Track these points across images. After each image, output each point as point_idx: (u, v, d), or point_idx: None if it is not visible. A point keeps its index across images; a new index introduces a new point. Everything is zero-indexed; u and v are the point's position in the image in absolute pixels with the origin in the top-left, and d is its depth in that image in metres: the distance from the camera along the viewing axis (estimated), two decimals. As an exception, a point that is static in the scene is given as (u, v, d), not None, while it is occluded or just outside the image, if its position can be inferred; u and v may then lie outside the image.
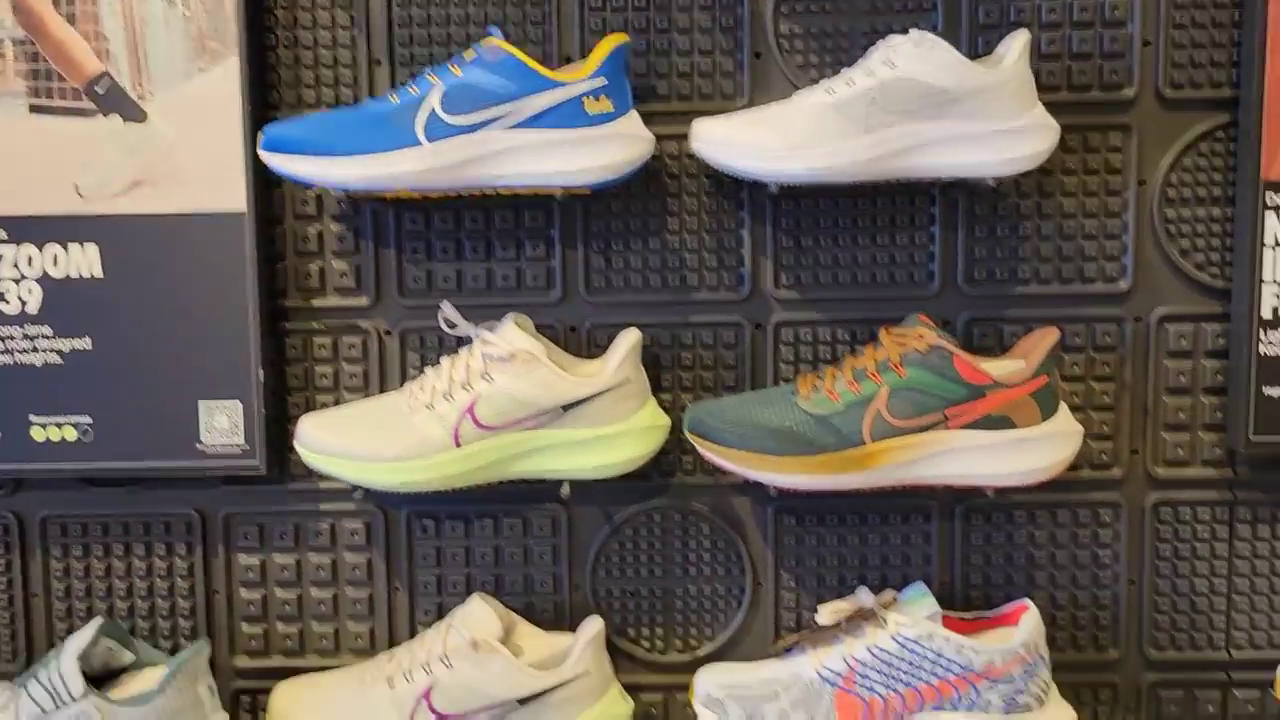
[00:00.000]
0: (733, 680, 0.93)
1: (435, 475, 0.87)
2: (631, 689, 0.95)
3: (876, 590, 0.94)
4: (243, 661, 0.99)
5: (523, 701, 0.87)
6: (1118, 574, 0.97)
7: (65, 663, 0.83)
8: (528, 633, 0.93)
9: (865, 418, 0.86)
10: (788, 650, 0.93)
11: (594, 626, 0.90)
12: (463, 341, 0.92)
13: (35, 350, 0.92)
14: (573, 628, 0.95)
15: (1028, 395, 0.87)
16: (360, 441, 0.87)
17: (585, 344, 0.96)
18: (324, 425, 0.89)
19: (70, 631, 0.97)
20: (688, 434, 0.90)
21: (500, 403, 0.87)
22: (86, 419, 0.93)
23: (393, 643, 0.98)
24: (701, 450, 0.89)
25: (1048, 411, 0.88)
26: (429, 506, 0.96)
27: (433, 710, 0.86)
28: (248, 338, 0.92)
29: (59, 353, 0.92)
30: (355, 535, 0.97)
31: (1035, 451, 0.88)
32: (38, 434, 0.93)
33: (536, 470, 0.89)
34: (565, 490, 0.90)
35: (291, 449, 0.95)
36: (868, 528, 0.98)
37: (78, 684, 0.83)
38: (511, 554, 0.97)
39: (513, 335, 0.88)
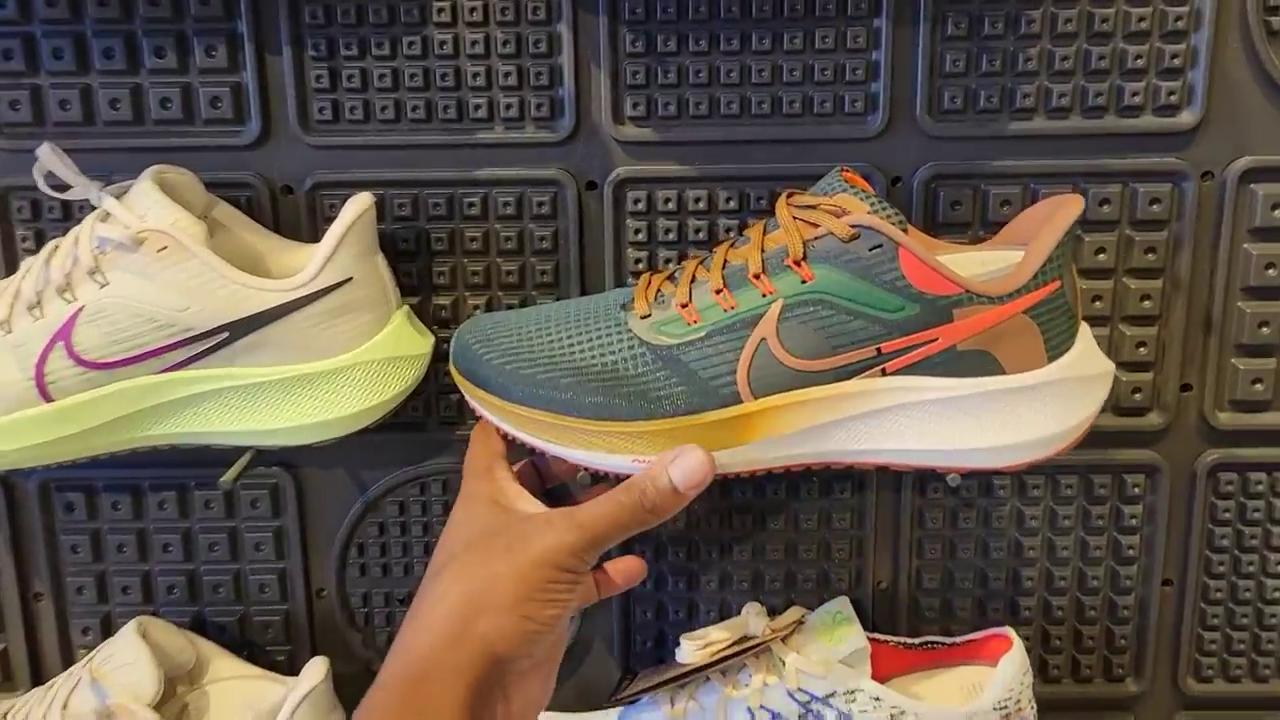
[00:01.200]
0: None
1: (12, 447, 0.51)
2: None
3: (774, 605, 0.60)
4: None
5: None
6: (1148, 571, 0.63)
7: None
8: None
9: (743, 355, 0.50)
10: (631, 702, 0.60)
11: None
12: (84, 212, 0.55)
13: None
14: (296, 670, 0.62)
15: (1024, 314, 0.49)
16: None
17: (306, 214, 0.59)
18: None
19: None
20: (451, 370, 0.55)
21: (116, 321, 0.50)
22: None
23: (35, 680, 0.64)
24: (470, 400, 0.54)
25: (1058, 342, 0.50)
26: (71, 474, 0.61)
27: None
28: None
29: None
30: (-32, 515, 0.63)
31: (1034, 412, 0.50)
32: None
33: (194, 433, 0.53)
34: (227, 478, 0.55)
35: None
36: (764, 503, 0.63)
37: None
38: (213, 545, 0.62)
39: (149, 201, 0.51)
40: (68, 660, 0.64)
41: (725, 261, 0.52)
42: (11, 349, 0.51)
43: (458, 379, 0.54)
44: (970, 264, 0.54)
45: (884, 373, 0.50)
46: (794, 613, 0.60)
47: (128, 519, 0.62)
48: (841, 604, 0.59)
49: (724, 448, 0.50)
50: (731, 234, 0.59)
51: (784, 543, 0.63)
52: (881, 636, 0.61)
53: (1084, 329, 0.52)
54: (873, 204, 0.50)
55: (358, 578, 0.63)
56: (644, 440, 0.50)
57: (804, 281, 0.50)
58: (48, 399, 0.51)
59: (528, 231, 0.59)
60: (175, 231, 0.50)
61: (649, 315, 0.52)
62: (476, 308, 0.60)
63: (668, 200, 0.59)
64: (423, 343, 0.56)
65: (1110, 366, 0.52)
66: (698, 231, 0.59)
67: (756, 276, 0.50)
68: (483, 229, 0.59)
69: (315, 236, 0.58)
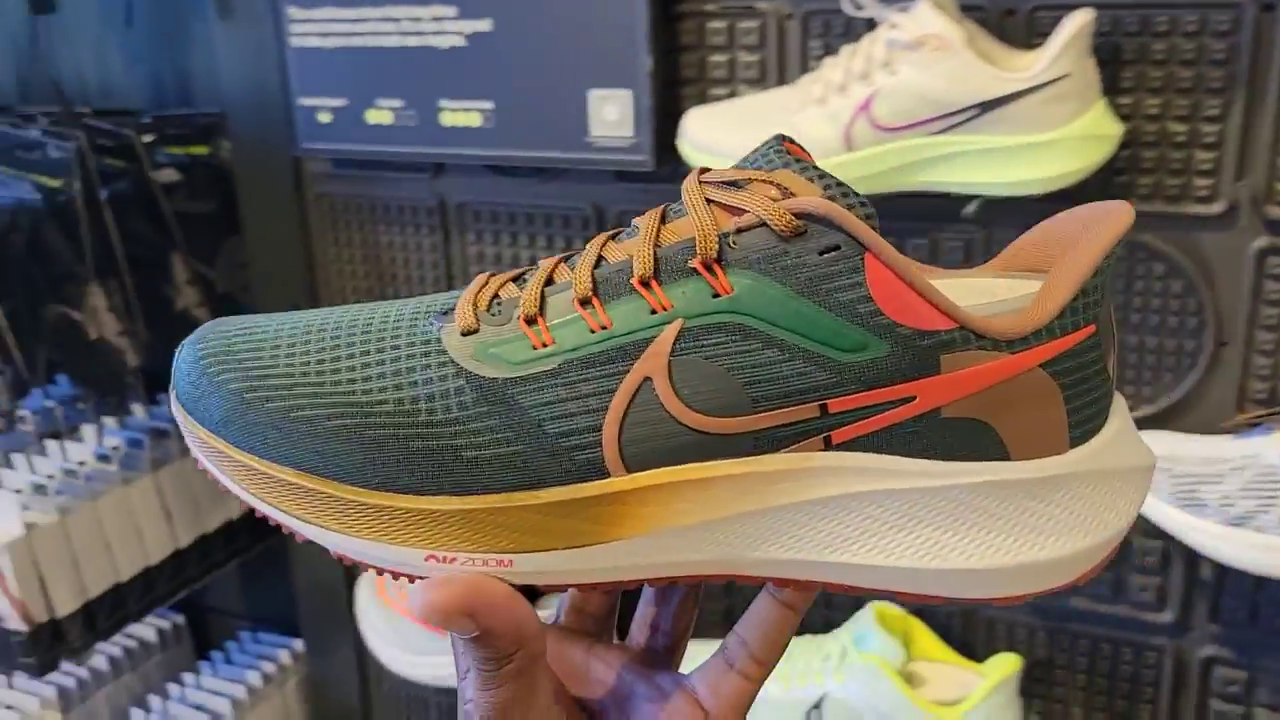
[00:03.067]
0: (1172, 452, 0.77)
1: (822, 182, 0.76)
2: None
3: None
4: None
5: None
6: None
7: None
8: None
9: (614, 401, 0.33)
10: (1249, 428, 0.75)
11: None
12: (871, 26, 0.78)
13: (441, 33, 0.91)
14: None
15: (1042, 369, 0.34)
16: (740, 138, 0.78)
17: (1024, 30, 0.77)
18: (710, 120, 0.81)
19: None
20: (170, 399, 0.37)
21: (902, 99, 0.73)
22: (489, 104, 0.91)
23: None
24: (191, 446, 0.36)
25: (1087, 415, 0.35)
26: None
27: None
28: (637, 23, 0.84)
29: (462, 35, 0.91)
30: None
31: (1049, 521, 0.34)
32: (447, 118, 0.93)
33: (942, 182, 0.75)
34: (971, 209, 0.76)
35: (684, 145, 0.88)
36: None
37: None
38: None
39: (926, 16, 0.72)
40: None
41: (599, 259, 0.35)
42: (828, 117, 0.75)
43: (177, 411, 0.36)
44: (965, 293, 0.36)
45: (828, 444, 0.33)
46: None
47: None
48: None
49: (573, 545, 0.34)
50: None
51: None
52: None
53: (1119, 401, 0.36)
54: (828, 186, 0.34)
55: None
56: (447, 526, 0.33)
57: (716, 295, 0.33)
58: (850, 150, 0.75)
59: (1202, 48, 0.73)
60: (946, 35, 0.71)
61: (475, 330, 0.34)
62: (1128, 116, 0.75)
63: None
64: (1114, 127, 0.73)
65: (1153, 459, 0.36)
66: None
67: (644, 283, 0.33)
68: (1167, 45, 0.74)
69: (1029, 46, 0.77)
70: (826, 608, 0.93)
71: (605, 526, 0.33)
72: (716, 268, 0.33)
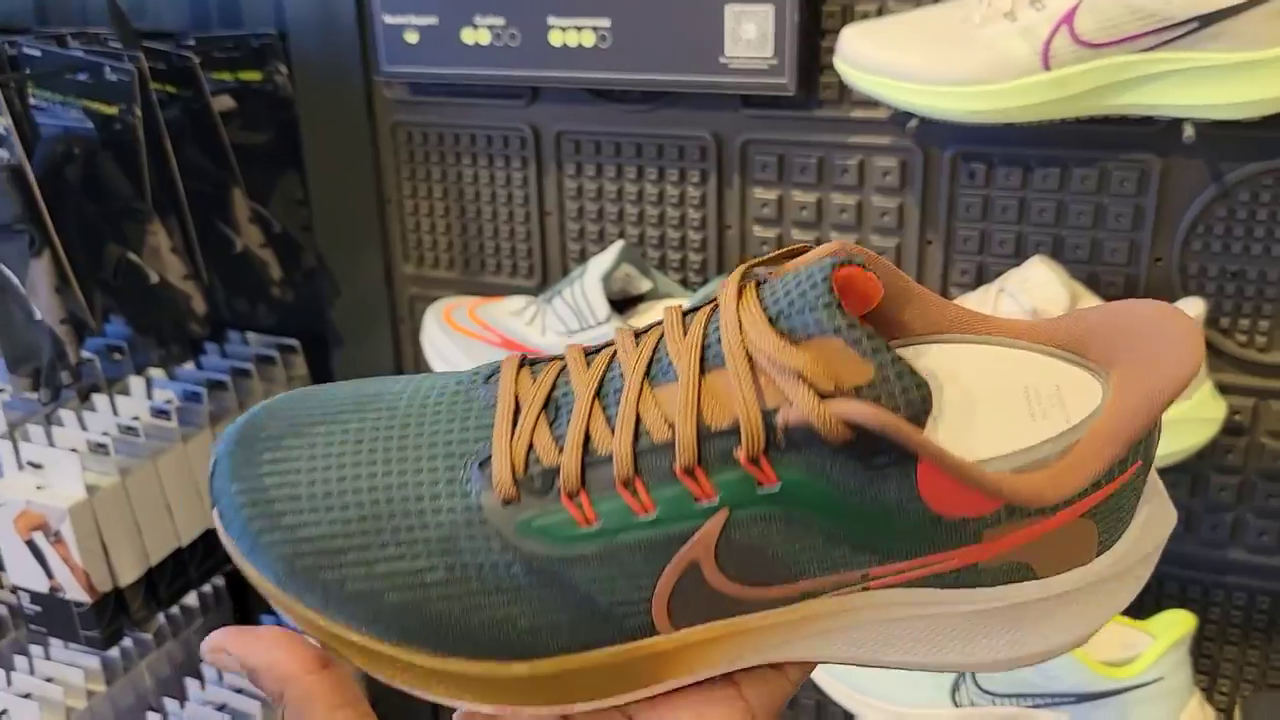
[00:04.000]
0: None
1: (1015, 104, 0.69)
2: (1216, 389, 0.77)
3: None
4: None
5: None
6: None
7: (590, 285, 0.79)
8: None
9: (662, 578, 0.33)
10: None
11: (1192, 310, 0.71)
12: (1058, -69, 0.71)
13: (555, -59, 0.83)
14: (1148, 309, 0.77)
15: (1082, 518, 0.33)
16: (920, 58, 0.71)
17: (1226, -62, 0.71)
18: (873, 37, 0.73)
19: (582, 254, 0.94)
20: (218, 529, 0.36)
21: (1111, 10, 0.66)
22: (605, 22, 0.83)
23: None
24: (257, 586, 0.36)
25: (1117, 531, 0.35)
26: (980, 147, 0.80)
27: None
28: (785, -74, 0.76)
29: (579, -56, 0.82)
30: (888, 176, 0.83)
31: (1069, 616, 0.35)
32: (555, 38, 0.85)
33: (1152, 104, 0.69)
34: (1189, 132, 0.70)
35: (823, 69, 0.82)
36: None
37: (602, 307, 0.78)
38: (1080, 213, 0.79)
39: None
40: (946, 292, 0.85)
41: (638, 427, 0.33)
42: (1020, 32, 0.68)
43: (227, 543, 0.36)
44: (999, 376, 0.36)
45: (866, 588, 0.34)
46: None
47: (1015, 187, 0.80)
48: None
49: (624, 692, 0.35)
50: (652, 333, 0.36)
51: None
52: None
53: (1153, 479, 0.35)
54: (881, 364, 0.31)
55: (1196, 251, 0.77)
56: (516, 687, 0.34)
57: (761, 485, 0.32)
58: (1047, 69, 0.68)
59: None
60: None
61: (515, 500, 0.34)
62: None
63: None
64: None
65: (1174, 518, 0.36)
66: None
67: (688, 471, 0.32)
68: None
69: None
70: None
71: (652, 676, 0.35)
72: (763, 459, 0.32)
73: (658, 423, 0.33)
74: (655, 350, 0.34)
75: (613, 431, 0.33)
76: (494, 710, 0.35)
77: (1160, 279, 0.78)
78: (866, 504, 0.32)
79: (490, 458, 0.34)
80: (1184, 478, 0.81)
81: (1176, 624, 0.77)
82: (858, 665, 0.36)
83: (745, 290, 0.34)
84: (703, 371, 0.33)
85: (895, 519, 0.32)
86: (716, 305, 0.34)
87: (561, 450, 0.34)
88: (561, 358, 0.36)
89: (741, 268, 0.35)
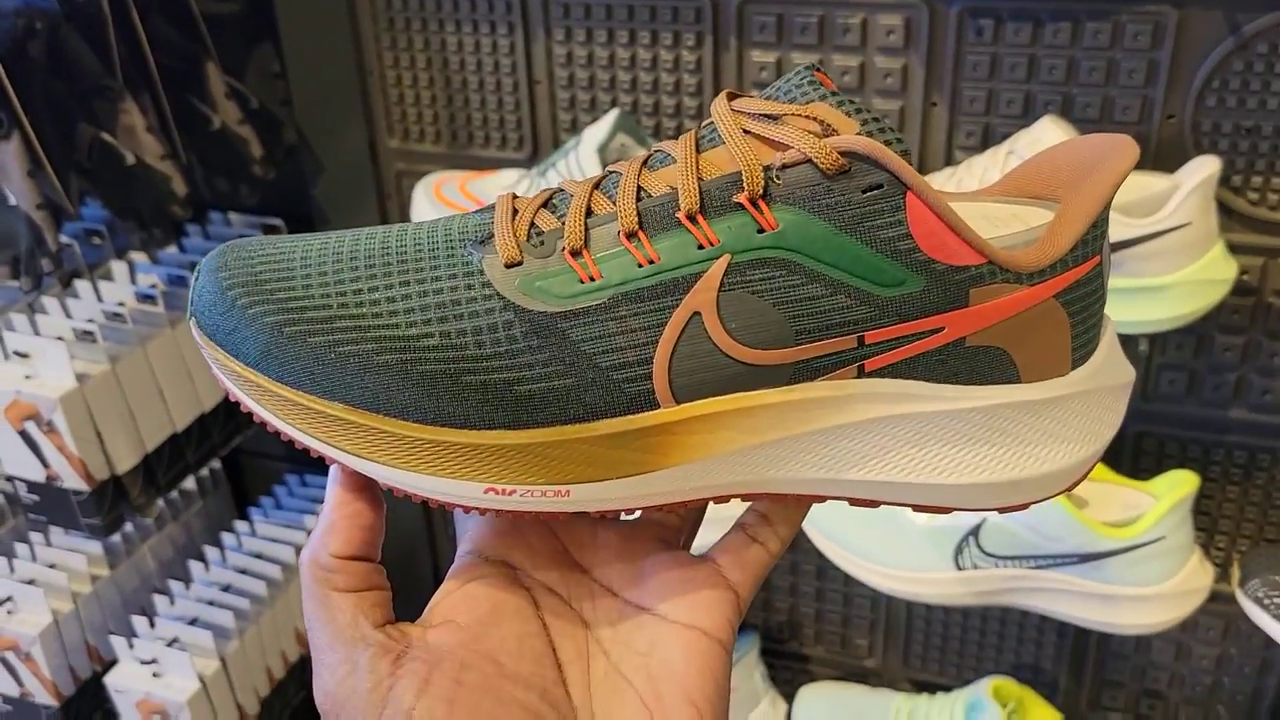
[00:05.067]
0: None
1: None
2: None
3: None
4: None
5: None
6: None
7: (585, 156, 0.76)
8: None
9: (663, 336, 0.34)
10: None
11: (1206, 169, 0.70)
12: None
13: None
14: (1159, 167, 0.76)
15: (1056, 299, 0.35)
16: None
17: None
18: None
19: (573, 124, 0.91)
20: (191, 326, 0.36)
21: None
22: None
23: (921, 169, 0.83)
24: (219, 373, 0.36)
25: (1086, 340, 0.37)
26: (989, 2, 0.76)
27: None
28: None
29: None
30: (891, 35, 0.80)
31: (1051, 437, 0.36)
32: (541, -108, 0.80)
33: None
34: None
35: (824, -80, 0.78)
36: None
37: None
38: (1091, 69, 0.76)
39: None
40: (948, 158, 0.82)
41: (640, 190, 0.35)
42: None
43: (200, 339, 0.35)
44: (974, 219, 0.36)
45: (861, 372, 0.35)
46: None
47: (1024, 44, 0.77)
48: None
49: (626, 474, 0.35)
50: (651, 147, 0.42)
51: None
52: None
53: (1108, 321, 0.38)
54: (865, 121, 0.34)
55: (1211, 108, 0.75)
56: (505, 459, 0.34)
57: (761, 230, 0.33)
58: None
59: None
60: None
61: (519, 263, 0.34)
62: None
63: None
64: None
65: (1133, 374, 0.39)
66: None
67: (690, 218, 0.34)
68: None
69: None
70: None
71: (655, 456, 0.34)
72: (762, 203, 0.33)
73: (659, 187, 0.35)
74: (649, 157, 0.36)
75: (612, 200, 0.35)
76: (492, 501, 0.34)
77: (1172, 137, 0.76)
78: (862, 240, 0.33)
79: (491, 237, 0.35)
80: (1189, 338, 0.81)
81: (1178, 484, 0.78)
82: (848, 492, 0.36)
83: (734, 97, 0.36)
84: (699, 150, 0.35)
85: (887, 263, 0.33)
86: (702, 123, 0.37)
87: (560, 218, 0.35)
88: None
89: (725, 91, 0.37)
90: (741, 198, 0.34)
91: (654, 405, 0.34)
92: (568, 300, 0.34)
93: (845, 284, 0.33)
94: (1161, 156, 0.76)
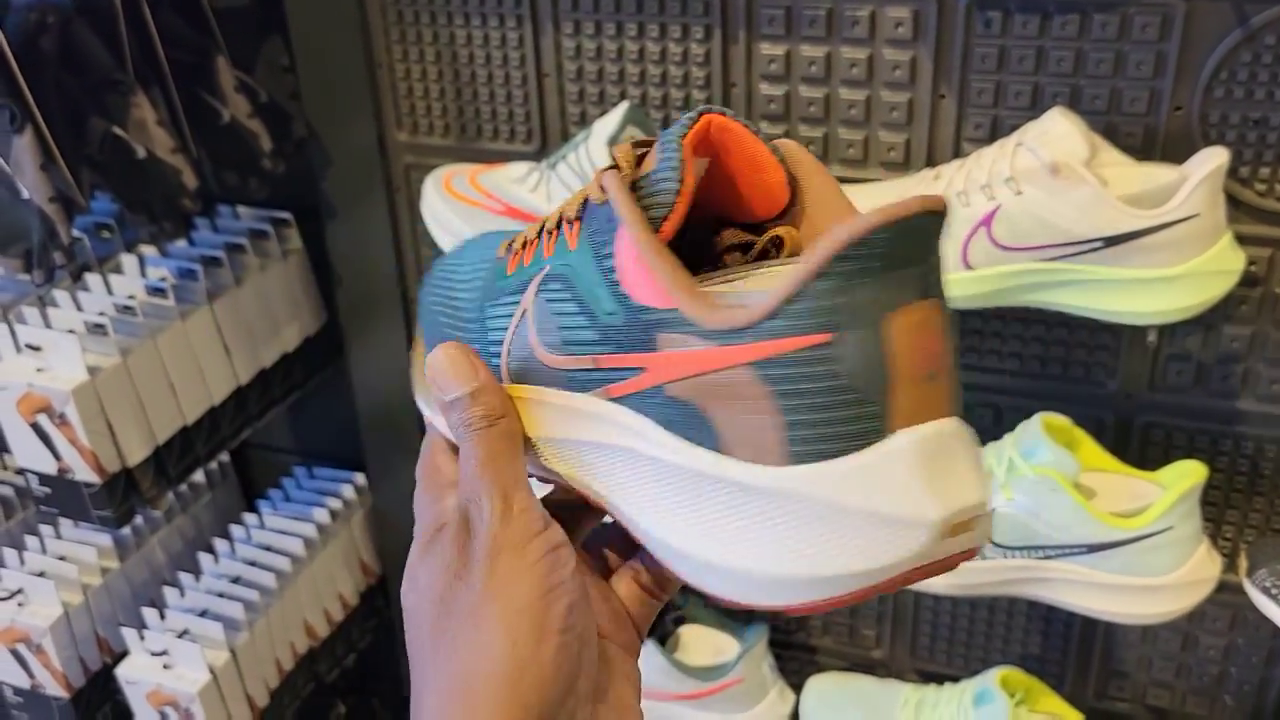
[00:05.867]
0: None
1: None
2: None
3: None
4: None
5: (1109, 242, 0.71)
6: None
7: (595, 149, 0.77)
8: (1111, 161, 0.75)
9: (510, 326, 0.40)
10: None
11: (1214, 160, 0.70)
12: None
13: None
14: (1167, 159, 0.76)
15: (749, 368, 0.31)
16: None
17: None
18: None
19: (582, 117, 0.91)
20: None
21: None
22: None
23: (930, 161, 0.83)
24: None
25: (818, 433, 0.31)
26: (998, -6, 0.77)
27: (992, 240, 0.73)
28: None
29: None
30: (900, 27, 0.80)
31: (765, 531, 0.32)
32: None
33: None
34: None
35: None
36: None
37: (609, 172, 0.76)
38: (1099, 61, 0.77)
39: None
40: (956, 151, 0.83)
41: (585, 200, 0.38)
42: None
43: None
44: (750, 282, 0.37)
45: (609, 395, 0.36)
46: None
47: (1032, 36, 0.78)
48: None
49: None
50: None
51: None
52: None
53: (900, 436, 0.30)
54: (641, 158, 0.37)
55: (1219, 99, 0.75)
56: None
57: (568, 250, 0.37)
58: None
59: None
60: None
61: (503, 257, 0.43)
62: None
63: None
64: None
65: (938, 517, 0.30)
66: None
67: (549, 232, 0.39)
68: None
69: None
70: (996, 425, 0.88)
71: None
72: (574, 225, 0.37)
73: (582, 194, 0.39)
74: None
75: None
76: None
77: (1180, 128, 0.76)
78: (595, 267, 0.36)
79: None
80: (1197, 329, 0.81)
81: (1187, 474, 0.78)
82: (622, 520, 0.37)
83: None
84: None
85: (603, 288, 0.35)
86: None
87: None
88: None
89: None
90: (565, 218, 0.38)
91: (502, 380, 0.40)
92: (496, 283, 0.41)
93: (587, 305, 0.36)
94: (1169, 148, 0.76)
